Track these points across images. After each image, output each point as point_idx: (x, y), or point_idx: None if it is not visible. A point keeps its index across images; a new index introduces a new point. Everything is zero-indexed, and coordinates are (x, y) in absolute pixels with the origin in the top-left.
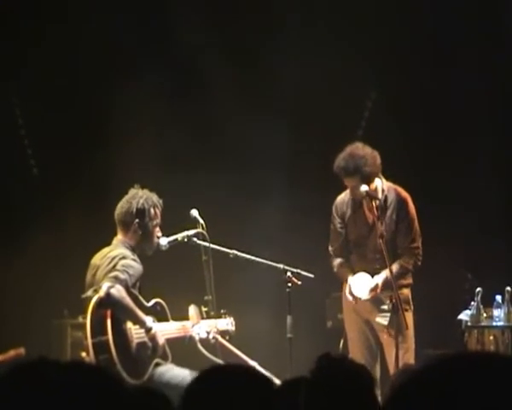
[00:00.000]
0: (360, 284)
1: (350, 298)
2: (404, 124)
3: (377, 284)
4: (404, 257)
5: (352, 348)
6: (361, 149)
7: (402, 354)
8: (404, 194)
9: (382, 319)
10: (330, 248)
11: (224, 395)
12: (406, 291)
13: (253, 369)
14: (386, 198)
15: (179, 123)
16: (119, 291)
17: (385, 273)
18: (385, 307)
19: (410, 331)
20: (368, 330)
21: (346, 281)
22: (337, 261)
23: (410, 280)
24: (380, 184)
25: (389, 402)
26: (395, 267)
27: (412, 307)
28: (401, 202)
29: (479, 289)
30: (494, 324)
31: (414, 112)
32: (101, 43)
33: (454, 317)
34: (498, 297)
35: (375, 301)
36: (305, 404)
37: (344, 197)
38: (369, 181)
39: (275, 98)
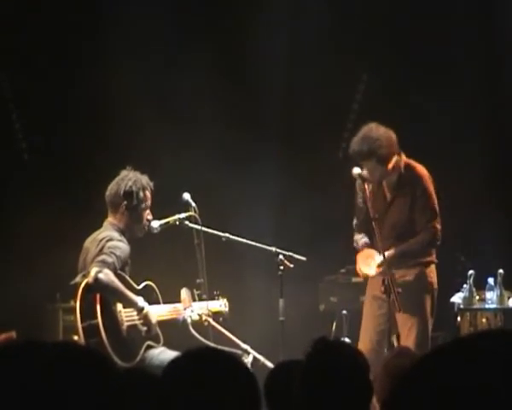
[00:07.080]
0: (367, 261)
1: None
2: (397, 105)
3: (383, 261)
4: (420, 235)
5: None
6: (374, 130)
7: (408, 335)
8: (422, 172)
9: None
10: (354, 222)
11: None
12: (427, 270)
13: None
14: (402, 176)
15: (169, 107)
16: (106, 275)
17: (393, 250)
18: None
19: (427, 314)
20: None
21: None
22: (357, 237)
23: (428, 258)
24: (397, 162)
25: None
26: (405, 245)
27: (431, 288)
28: (417, 179)
29: (471, 271)
30: (487, 306)
31: (406, 93)
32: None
33: (447, 300)
34: (491, 280)
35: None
36: (299, 387)
37: None
38: (386, 162)
39: (264, 81)
